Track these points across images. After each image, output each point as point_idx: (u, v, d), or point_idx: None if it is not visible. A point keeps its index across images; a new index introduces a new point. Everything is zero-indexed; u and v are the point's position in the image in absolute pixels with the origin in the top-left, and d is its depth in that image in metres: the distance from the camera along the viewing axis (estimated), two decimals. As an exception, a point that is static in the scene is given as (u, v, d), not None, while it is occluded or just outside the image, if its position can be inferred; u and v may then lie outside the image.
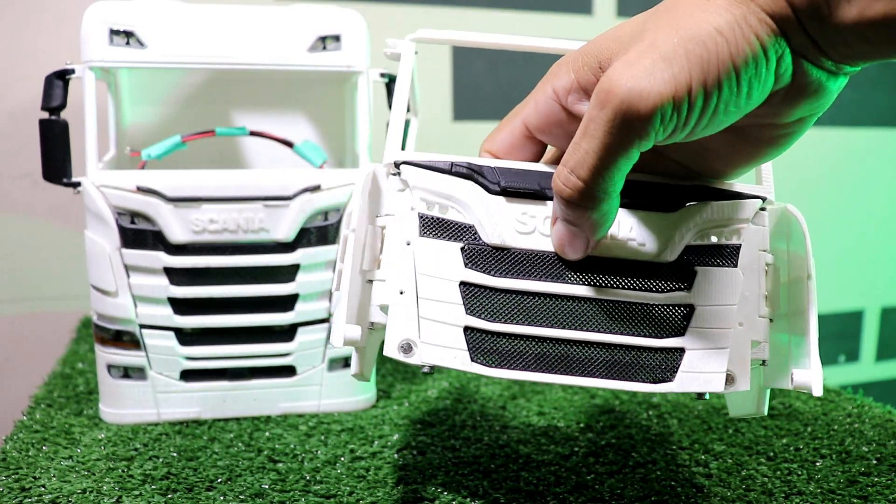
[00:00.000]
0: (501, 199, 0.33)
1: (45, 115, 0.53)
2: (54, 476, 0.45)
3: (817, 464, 0.47)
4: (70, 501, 0.42)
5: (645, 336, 0.32)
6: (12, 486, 0.44)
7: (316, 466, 0.47)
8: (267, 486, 0.44)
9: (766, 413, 0.36)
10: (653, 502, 0.42)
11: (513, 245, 0.33)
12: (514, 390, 0.61)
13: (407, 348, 0.32)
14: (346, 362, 0.58)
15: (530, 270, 0.33)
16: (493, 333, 0.32)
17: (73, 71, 0.54)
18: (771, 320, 0.34)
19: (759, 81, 0.27)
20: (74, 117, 0.55)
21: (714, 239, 0.33)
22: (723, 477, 0.45)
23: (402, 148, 0.36)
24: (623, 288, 0.32)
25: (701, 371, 0.32)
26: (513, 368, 0.32)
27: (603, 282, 0.32)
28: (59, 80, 0.53)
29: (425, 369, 0.32)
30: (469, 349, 0.32)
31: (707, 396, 0.33)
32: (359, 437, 0.52)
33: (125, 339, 0.54)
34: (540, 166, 0.34)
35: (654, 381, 0.32)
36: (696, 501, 0.42)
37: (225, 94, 0.66)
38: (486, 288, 0.32)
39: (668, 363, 0.32)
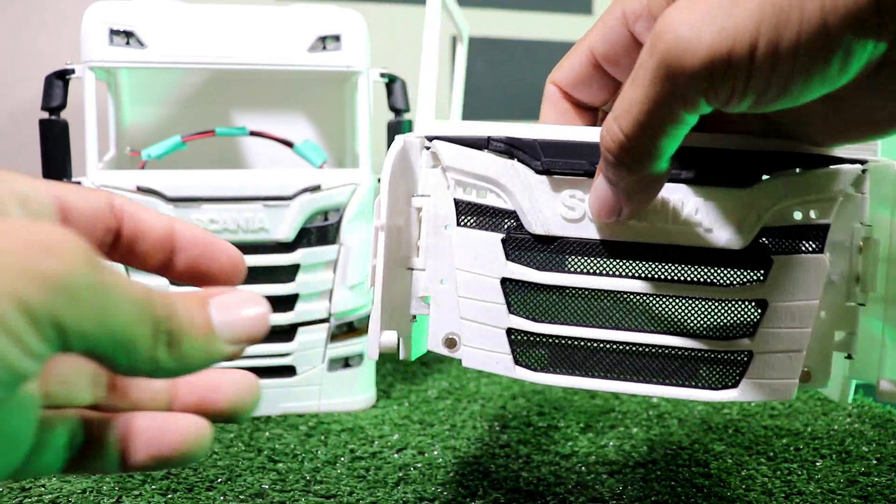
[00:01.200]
0: (545, 179, 0.29)
1: (45, 115, 0.53)
2: (54, 476, 0.45)
3: (817, 464, 0.47)
4: (70, 501, 0.42)
5: (708, 337, 0.28)
6: (12, 485, 0.44)
7: (316, 466, 0.47)
8: (267, 486, 0.44)
9: (849, 401, 0.31)
10: (653, 502, 0.42)
11: (559, 234, 0.29)
12: (513, 390, 0.61)
13: (451, 343, 0.30)
14: (346, 362, 0.58)
15: (579, 262, 0.29)
16: (538, 335, 0.29)
17: (72, 71, 0.54)
18: (862, 304, 0.28)
19: (861, 48, 0.21)
20: (74, 117, 0.55)
21: (798, 216, 0.28)
22: (723, 477, 0.45)
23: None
24: (686, 282, 0.28)
25: (769, 378, 0.28)
26: (560, 373, 0.29)
27: (662, 274, 0.28)
28: (58, 81, 0.53)
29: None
30: (513, 353, 0.29)
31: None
32: (359, 437, 0.52)
33: (125, 339, 0.54)
34: (595, 134, 0.29)
35: (715, 388, 0.28)
36: (696, 501, 0.42)
37: (225, 94, 0.66)
38: (530, 284, 0.29)
39: (732, 368, 0.28)
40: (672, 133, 0.24)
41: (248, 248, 0.54)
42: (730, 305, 0.28)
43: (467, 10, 1.00)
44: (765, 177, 0.28)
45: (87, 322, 0.18)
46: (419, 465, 0.47)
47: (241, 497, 0.43)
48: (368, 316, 0.58)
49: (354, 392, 0.58)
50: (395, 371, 0.67)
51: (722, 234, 0.28)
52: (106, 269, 0.18)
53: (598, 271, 0.29)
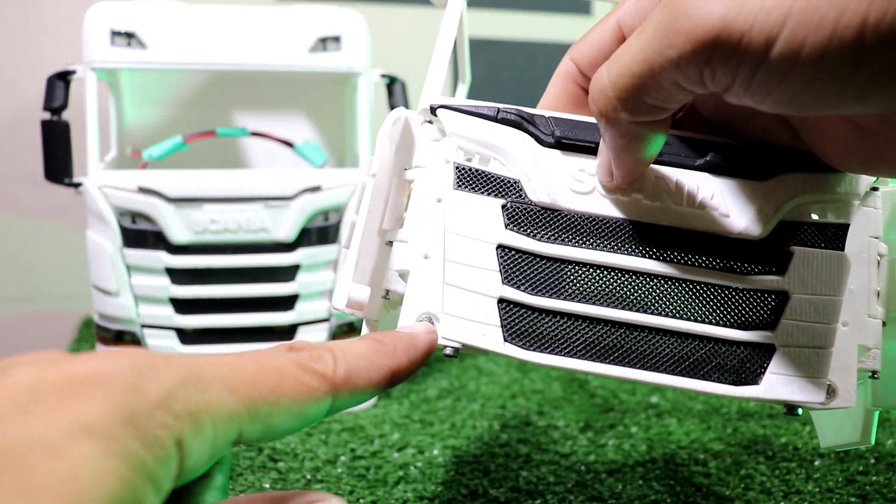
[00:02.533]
0: (556, 152, 0.27)
1: (47, 115, 0.54)
2: None
3: (815, 463, 0.47)
4: None
5: (726, 326, 0.26)
6: None
7: (316, 465, 0.47)
8: (268, 485, 0.44)
9: (872, 442, 0.30)
10: (652, 501, 0.42)
11: (565, 206, 0.27)
12: (514, 389, 0.61)
13: (427, 323, 0.27)
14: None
15: (586, 237, 0.27)
16: (534, 309, 0.26)
17: (74, 72, 0.54)
18: (884, 324, 0.27)
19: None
20: (76, 118, 0.55)
21: (815, 216, 0.27)
22: (721, 476, 0.46)
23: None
24: (701, 266, 0.26)
25: (795, 375, 0.26)
26: (556, 353, 0.26)
27: (676, 257, 0.26)
28: (60, 81, 0.54)
29: (447, 351, 0.26)
30: (503, 326, 0.26)
31: (800, 412, 0.26)
32: (359, 437, 0.52)
33: (127, 338, 0.54)
34: None
35: (735, 383, 0.26)
36: (695, 500, 0.42)
37: (226, 94, 0.67)
38: (529, 254, 0.27)
39: (753, 362, 0.26)
40: (657, 97, 0.22)
41: (248, 248, 0.54)
42: (748, 295, 0.26)
43: (468, 10, 1.00)
44: (784, 173, 0.27)
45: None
46: (419, 464, 0.47)
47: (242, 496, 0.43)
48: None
49: (355, 391, 0.58)
50: (395, 371, 0.67)
51: (739, 221, 0.26)
52: None
53: (606, 248, 0.27)
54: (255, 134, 0.60)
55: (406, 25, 0.96)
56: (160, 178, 0.52)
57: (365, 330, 0.29)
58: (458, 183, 0.28)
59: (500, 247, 0.27)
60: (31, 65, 0.84)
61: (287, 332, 0.56)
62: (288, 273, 0.55)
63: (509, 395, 0.60)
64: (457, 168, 0.28)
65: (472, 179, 0.28)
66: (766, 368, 0.26)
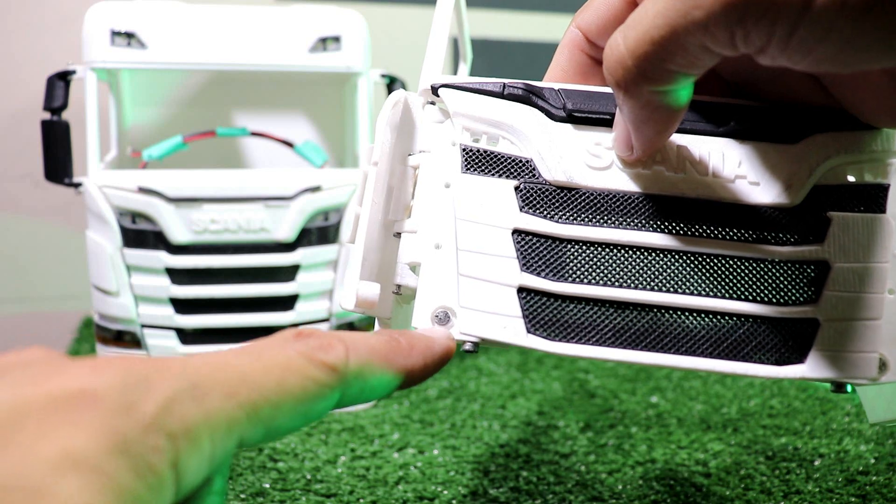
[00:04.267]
0: (568, 126, 0.26)
1: (47, 115, 0.54)
2: None
3: (815, 463, 0.47)
4: None
5: (764, 302, 0.24)
6: None
7: (316, 465, 0.47)
8: (268, 486, 0.44)
9: None
10: (652, 501, 0.42)
11: (582, 183, 0.25)
12: (514, 389, 0.61)
13: (443, 318, 0.25)
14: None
15: (607, 216, 0.25)
16: (557, 297, 0.25)
17: (74, 72, 0.54)
18: None
19: None
20: (76, 118, 0.55)
21: (851, 178, 0.25)
22: (721, 476, 0.46)
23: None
24: (733, 239, 0.25)
25: (843, 350, 0.24)
26: (583, 342, 0.24)
27: (705, 231, 0.25)
28: (60, 81, 0.54)
29: (467, 346, 0.25)
30: (525, 317, 0.25)
31: (849, 389, 0.24)
32: (359, 437, 0.52)
33: (127, 338, 0.54)
34: None
35: (779, 363, 0.24)
36: (695, 500, 0.42)
37: (226, 94, 0.67)
38: (548, 238, 0.25)
39: (796, 339, 0.24)
40: (682, 64, 0.20)
41: (248, 248, 0.54)
42: (785, 268, 0.24)
43: (468, 11, 1.00)
44: (815, 133, 0.25)
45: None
46: (419, 464, 0.47)
47: (242, 496, 0.43)
48: (369, 316, 0.59)
49: (355, 391, 0.58)
50: (395, 371, 0.67)
51: (770, 189, 0.25)
52: None
53: (630, 226, 0.25)
54: (255, 134, 0.60)
55: (406, 25, 0.96)
56: (160, 178, 0.52)
57: (378, 329, 0.27)
58: (466, 166, 0.26)
59: (516, 231, 0.25)
60: (31, 65, 0.84)
61: (287, 332, 0.56)
62: (288, 273, 0.55)
63: (509, 395, 0.60)
64: (464, 150, 0.26)
65: (481, 161, 0.26)
66: (810, 345, 0.24)
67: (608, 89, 0.26)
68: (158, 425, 0.15)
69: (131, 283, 0.53)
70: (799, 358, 0.24)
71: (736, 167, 0.25)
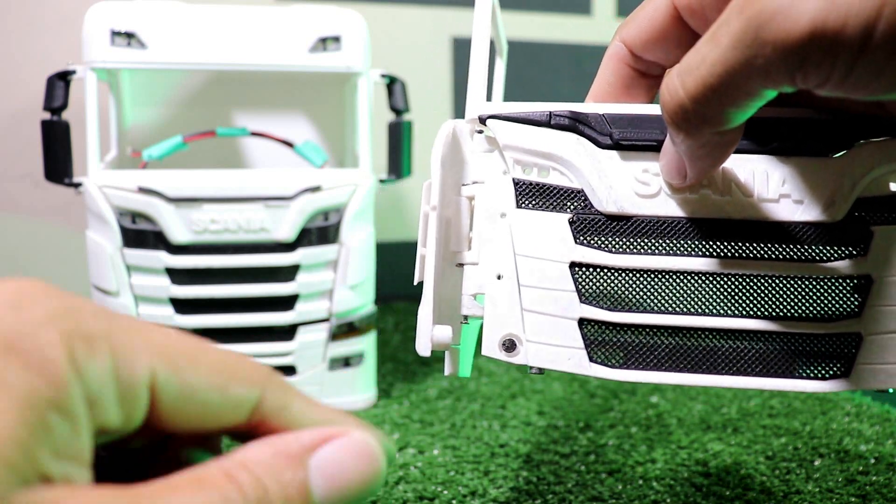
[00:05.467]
0: (615, 154, 0.26)
1: (47, 115, 0.54)
2: None
3: (815, 463, 0.47)
4: None
5: (809, 319, 0.25)
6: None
7: (316, 465, 0.47)
8: (268, 485, 0.44)
9: None
10: (652, 501, 0.42)
11: (632, 212, 0.26)
12: (514, 389, 0.61)
13: (510, 346, 0.26)
14: (346, 362, 0.58)
15: (657, 242, 0.26)
16: (616, 326, 0.26)
17: (74, 72, 0.54)
18: None
19: None
20: (76, 118, 0.55)
21: (894, 187, 0.25)
22: (721, 476, 0.46)
23: (489, 99, 0.29)
24: (779, 259, 0.25)
25: (884, 363, 0.25)
26: (642, 368, 0.26)
27: (751, 252, 0.25)
28: (60, 81, 0.54)
29: (534, 370, 0.26)
30: (586, 347, 0.26)
31: (891, 390, 0.25)
32: (359, 437, 0.52)
33: (126, 338, 0.54)
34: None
35: (825, 378, 0.25)
36: (695, 500, 0.42)
37: (226, 94, 0.67)
38: (603, 269, 0.26)
39: (841, 353, 0.25)
40: (742, 106, 0.21)
41: (248, 248, 0.54)
42: (830, 284, 0.25)
43: (466, 11, 1.00)
44: (856, 144, 0.25)
45: None
46: (419, 464, 0.47)
47: (242, 496, 0.43)
48: (368, 316, 0.59)
49: (355, 391, 0.58)
50: (395, 371, 0.67)
51: (814, 207, 0.25)
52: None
53: (680, 252, 0.26)
54: (255, 134, 0.60)
55: (406, 25, 0.96)
56: (160, 178, 0.52)
57: (448, 362, 0.28)
58: (520, 200, 0.27)
59: (573, 265, 0.26)
60: (31, 65, 0.84)
61: (287, 332, 0.56)
62: (288, 273, 0.55)
63: (509, 395, 0.60)
64: (516, 183, 0.27)
65: (533, 194, 0.27)
66: (854, 359, 0.25)
67: (653, 110, 0.26)
68: (51, 324, 0.15)
69: (131, 283, 0.53)
70: (844, 372, 0.25)
71: (780, 186, 0.25)
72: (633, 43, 0.27)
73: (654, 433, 0.52)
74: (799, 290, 0.25)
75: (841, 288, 0.25)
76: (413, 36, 0.96)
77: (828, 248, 0.25)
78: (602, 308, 0.26)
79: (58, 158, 0.54)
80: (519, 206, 0.27)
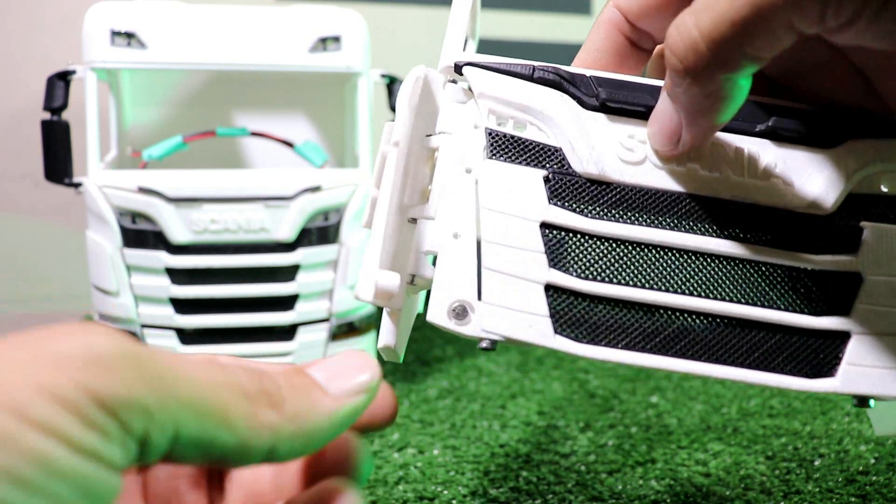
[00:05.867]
0: (602, 116, 0.25)
1: (47, 115, 0.54)
2: None
3: (815, 463, 0.47)
4: None
5: (795, 311, 0.24)
6: None
7: (316, 465, 0.47)
8: (268, 485, 0.44)
9: None
10: (652, 501, 0.42)
11: (615, 178, 0.24)
12: (514, 389, 0.61)
13: (461, 312, 0.23)
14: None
15: (639, 213, 0.24)
16: (586, 296, 0.24)
17: (74, 72, 0.54)
18: None
19: None
20: (76, 118, 0.55)
21: (885, 188, 0.25)
22: (721, 476, 0.46)
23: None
24: (766, 244, 0.24)
25: (873, 365, 0.23)
26: (612, 346, 0.23)
27: (739, 234, 0.24)
28: (60, 81, 0.54)
29: (484, 344, 0.23)
30: (552, 316, 0.23)
31: (872, 404, 0.24)
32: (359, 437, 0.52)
33: (126, 338, 0.54)
34: (656, 81, 0.25)
35: (810, 375, 0.24)
36: (695, 500, 0.42)
37: (226, 94, 0.67)
38: (578, 233, 0.24)
39: (827, 352, 0.24)
40: (762, 46, 0.19)
41: (248, 248, 0.54)
42: (817, 277, 0.24)
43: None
44: (852, 139, 0.25)
45: (156, 394, 0.15)
46: (419, 464, 0.47)
47: (242, 496, 0.43)
48: (368, 316, 0.59)
49: (355, 391, 0.58)
50: (394, 370, 0.67)
51: (806, 193, 0.24)
52: (152, 348, 0.16)
53: (661, 225, 0.24)
54: (255, 134, 0.60)
55: (406, 25, 0.96)
56: (160, 178, 0.52)
57: (387, 321, 0.25)
58: (491, 151, 0.25)
59: (545, 225, 0.24)
60: (31, 65, 0.84)
61: (287, 331, 0.56)
62: (288, 273, 0.55)
63: (509, 395, 0.60)
64: (489, 134, 0.25)
65: (506, 147, 0.25)
66: (841, 358, 0.24)
67: (644, 80, 0.25)
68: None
69: (131, 283, 0.53)
70: (830, 371, 0.24)
71: (773, 168, 0.24)
72: (629, 10, 0.26)
73: (654, 433, 0.52)
74: (785, 280, 0.24)
75: (829, 283, 0.24)
76: (413, 36, 0.96)
77: (817, 240, 0.24)
78: (572, 275, 0.24)
79: (58, 158, 0.54)
80: (490, 158, 0.24)
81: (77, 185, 0.54)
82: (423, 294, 0.27)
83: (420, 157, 0.26)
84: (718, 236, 0.24)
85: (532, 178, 0.24)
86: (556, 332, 0.23)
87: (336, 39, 0.56)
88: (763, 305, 0.24)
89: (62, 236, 0.88)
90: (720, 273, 0.24)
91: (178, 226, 0.52)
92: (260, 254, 0.54)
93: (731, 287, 0.24)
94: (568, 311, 0.23)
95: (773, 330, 0.24)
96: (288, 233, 0.54)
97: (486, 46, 1.08)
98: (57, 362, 0.14)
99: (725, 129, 0.25)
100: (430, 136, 0.26)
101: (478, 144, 0.25)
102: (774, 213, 0.24)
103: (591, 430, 0.53)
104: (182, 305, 0.54)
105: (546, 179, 0.24)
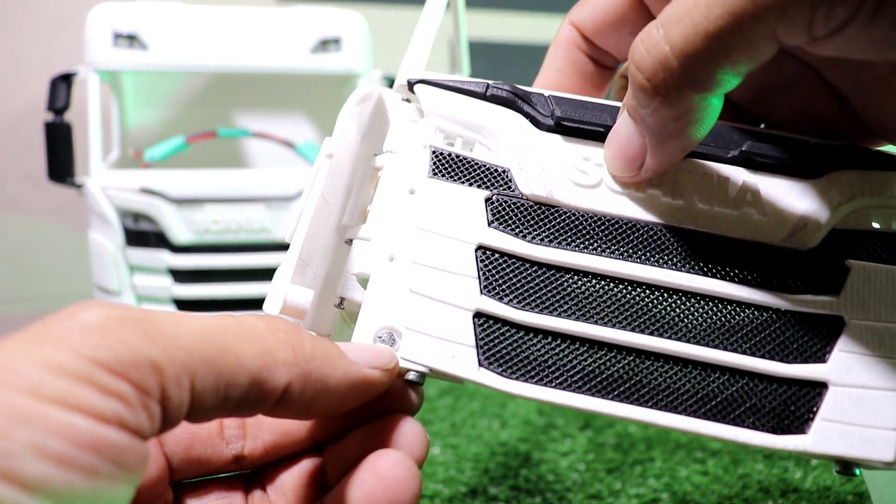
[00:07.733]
0: (556, 137, 0.23)
1: (50, 116, 0.54)
2: None
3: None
4: None
5: (763, 357, 0.21)
6: None
7: (317, 464, 0.47)
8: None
9: None
10: (651, 501, 0.42)
11: (564, 201, 0.22)
12: (513, 389, 0.62)
13: (387, 339, 0.21)
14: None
15: (589, 240, 0.22)
16: (519, 327, 0.21)
17: (76, 73, 0.54)
18: None
19: None
20: (79, 119, 0.55)
21: (876, 225, 0.22)
22: (720, 475, 0.46)
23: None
24: (733, 281, 0.21)
25: (853, 423, 0.20)
26: (545, 384, 0.21)
27: (702, 268, 0.22)
28: (63, 83, 0.54)
29: (411, 376, 0.21)
30: (479, 347, 0.21)
31: (858, 472, 0.20)
32: (360, 436, 0.52)
33: (128, 338, 0.54)
34: (615, 102, 0.23)
35: (776, 430, 0.21)
36: (694, 499, 0.42)
37: (227, 95, 0.67)
38: (516, 259, 0.22)
39: (799, 404, 0.21)
40: (741, 62, 0.17)
41: (249, 248, 0.54)
42: (793, 319, 0.21)
43: (468, 12, 1.00)
44: (838, 170, 0.22)
45: (160, 348, 0.15)
46: (419, 462, 0.47)
47: (244, 494, 0.43)
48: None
49: (355, 391, 0.58)
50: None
51: (781, 228, 0.22)
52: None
53: (614, 254, 0.22)
54: (256, 135, 0.61)
55: (407, 27, 0.96)
56: (162, 178, 0.53)
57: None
58: (434, 170, 0.23)
59: (481, 248, 0.22)
60: (34, 66, 0.85)
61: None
62: (289, 273, 0.55)
63: (509, 394, 0.61)
64: (433, 153, 0.23)
65: (451, 167, 0.23)
66: (815, 413, 0.21)
67: (604, 101, 0.23)
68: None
69: (133, 282, 0.53)
70: (801, 427, 0.21)
71: (745, 198, 0.22)
72: (584, 25, 0.25)
73: (653, 431, 0.53)
74: (754, 321, 0.21)
75: (806, 326, 0.21)
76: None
77: (793, 278, 0.21)
78: (505, 302, 0.21)
79: (60, 159, 0.54)
80: (432, 177, 0.23)
81: (79, 186, 0.54)
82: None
83: (365, 177, 0.24)
84: (678, 269, 0.22)
85: (473, 199, 0.22)
86: (480, 364, 0.21)
87: (337, 41, 0.57)
88: (724, 348, 0.21)
89: (62, 236, 0.89)
90: (677, 310, 0.21)
91: (179, 226, 0.53)
92: (261, 253, 0.54)
93: (689, 326, 0.21)
94: (499, 342, 0.21)
95: (736, 375, 0.21)
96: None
97: (486, 49, 1.08)
98: (55, 340, 0.14)
99: (693, 154, 0.22)
100: (377, 154, 0.25)
101: (423, 164, 0.23)
102: (745, 245, 0.22)
103: (590, 429, 0.53)
104: (184, 305, 0.54)
105: (488, 200, 0.22)
